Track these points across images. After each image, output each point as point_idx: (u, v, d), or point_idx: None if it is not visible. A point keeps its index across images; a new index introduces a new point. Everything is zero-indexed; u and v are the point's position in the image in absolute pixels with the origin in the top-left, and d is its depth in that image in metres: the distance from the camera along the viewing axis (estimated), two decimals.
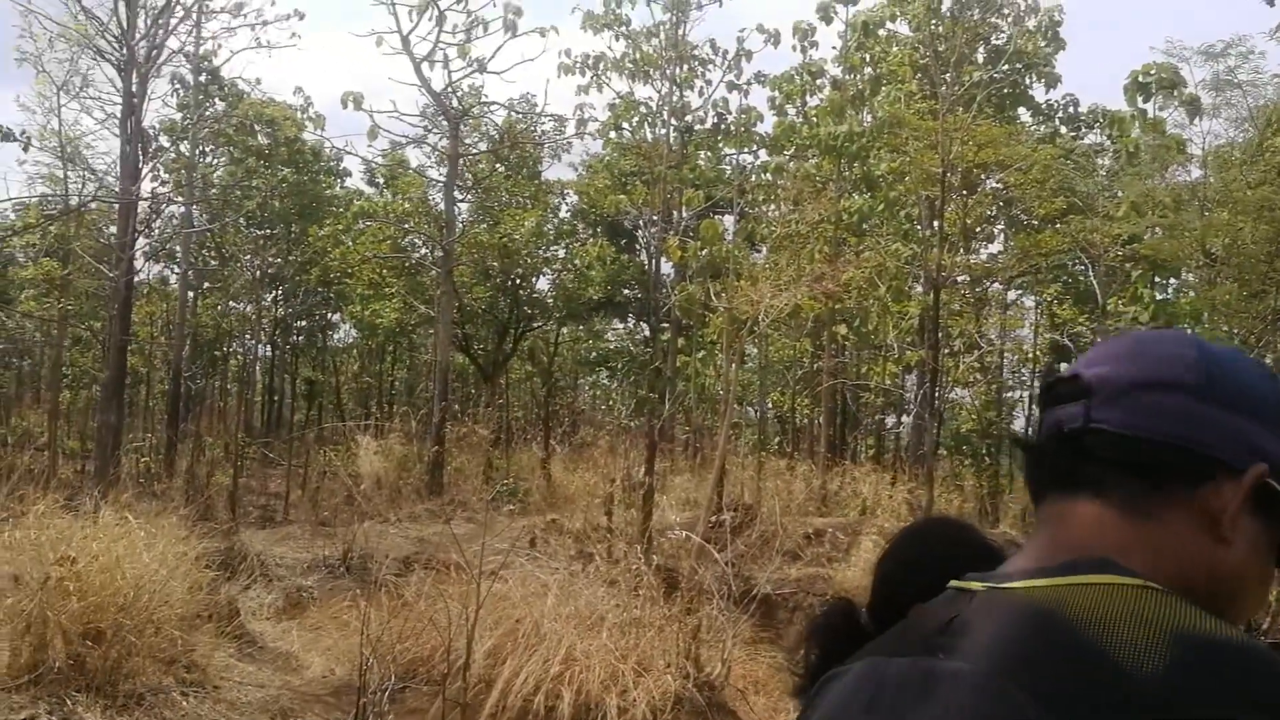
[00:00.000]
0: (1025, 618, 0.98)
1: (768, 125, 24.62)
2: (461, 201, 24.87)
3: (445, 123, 22.11)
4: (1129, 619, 0.94)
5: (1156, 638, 0.92)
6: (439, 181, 23.68)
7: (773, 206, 21.28)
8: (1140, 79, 19.66)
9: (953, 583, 1.13)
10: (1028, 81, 23.72)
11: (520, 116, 25.35)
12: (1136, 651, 0.91)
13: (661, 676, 8.43)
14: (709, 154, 27.44)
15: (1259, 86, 16.88)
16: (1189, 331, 1.39)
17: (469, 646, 7.40)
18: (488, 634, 8.56)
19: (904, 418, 24.04)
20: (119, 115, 16.56)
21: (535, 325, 27.43)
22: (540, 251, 25.40)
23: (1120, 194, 19.74)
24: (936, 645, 1.00)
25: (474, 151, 24.91)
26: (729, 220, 24.09)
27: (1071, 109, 25.90)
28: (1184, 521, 1.05)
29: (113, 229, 17.88)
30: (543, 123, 26.02)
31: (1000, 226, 23.59)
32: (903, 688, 0.98)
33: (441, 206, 22.75)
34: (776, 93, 23.89)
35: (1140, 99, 19.95)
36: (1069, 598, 0.97)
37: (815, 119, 22.03)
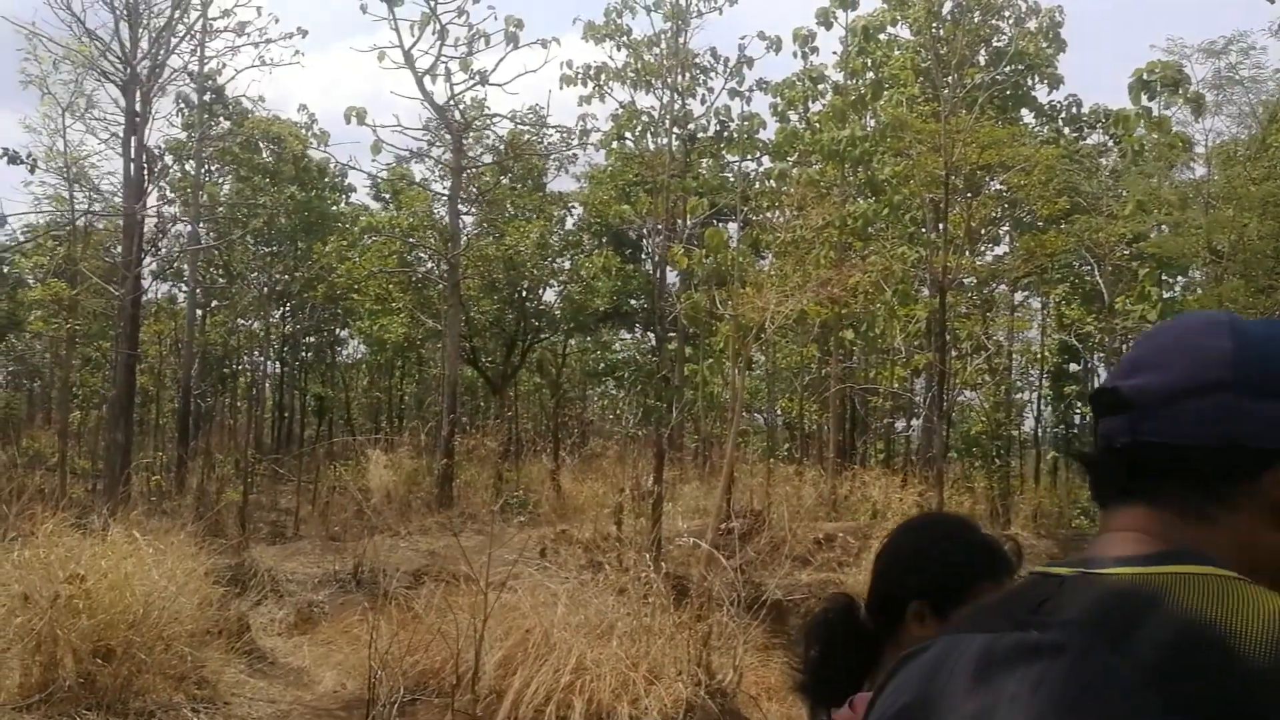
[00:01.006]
0: (1124, 599, 0.98)
1: (770, 132, 24.66)
2: (466, 214, 24.92)
3: (448, 136, 22.17)
4: (1233, 608, 0.94)
5: (1263, 627, 0.92)
6: (443, 195, 23.73)
7: (777, 213, 21.25)
8: (1144, 77, 19.64)
9: (1035, 569, 1.12)
10: (1030, 83, 23.70)
11: (527, 129, 25.40)
12: (1245, 640, 0.91)
13: (673, 684, 8.41)
14: (712, 162, 27.48)
15: (1260, 83, 16.86)
16: (1220, 314, 1.34)
17: (477, 657, 7.39)
18: (498, 645, 8.56)
19: (913, 421, 24.01)
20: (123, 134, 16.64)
21: (543, 337, 27.42)
22: (546, 263, 25.42)
23: (1125, 193, 19.71)
24: (1027, 622, 0.99)
25: (478, 165, 24.96)
26: (733, 228, 24.12)
27: (1074, 109, 25.85)
28: (1245, 516, 1.05)
29: (119, 248, 17.95)
30: (548, 134, 26.09)
31: (1005, 228, 23.56)
32: (991, 659, 0.98)
33: (446, 220, 22.79)
34: (778, 99, 23.90)
35: (1144, 97, 19.94)
36: (1167, 584, 0.98)
37: (818, 124, 22.03)
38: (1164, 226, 18.83)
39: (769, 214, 22.07)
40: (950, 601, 1.95)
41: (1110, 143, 24.52)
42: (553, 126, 26.49)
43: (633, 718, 8.04)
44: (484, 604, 7.53)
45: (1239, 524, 1.05)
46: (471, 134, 24.10)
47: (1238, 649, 0.90)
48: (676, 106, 24.61)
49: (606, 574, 10.69)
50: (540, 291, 26.07)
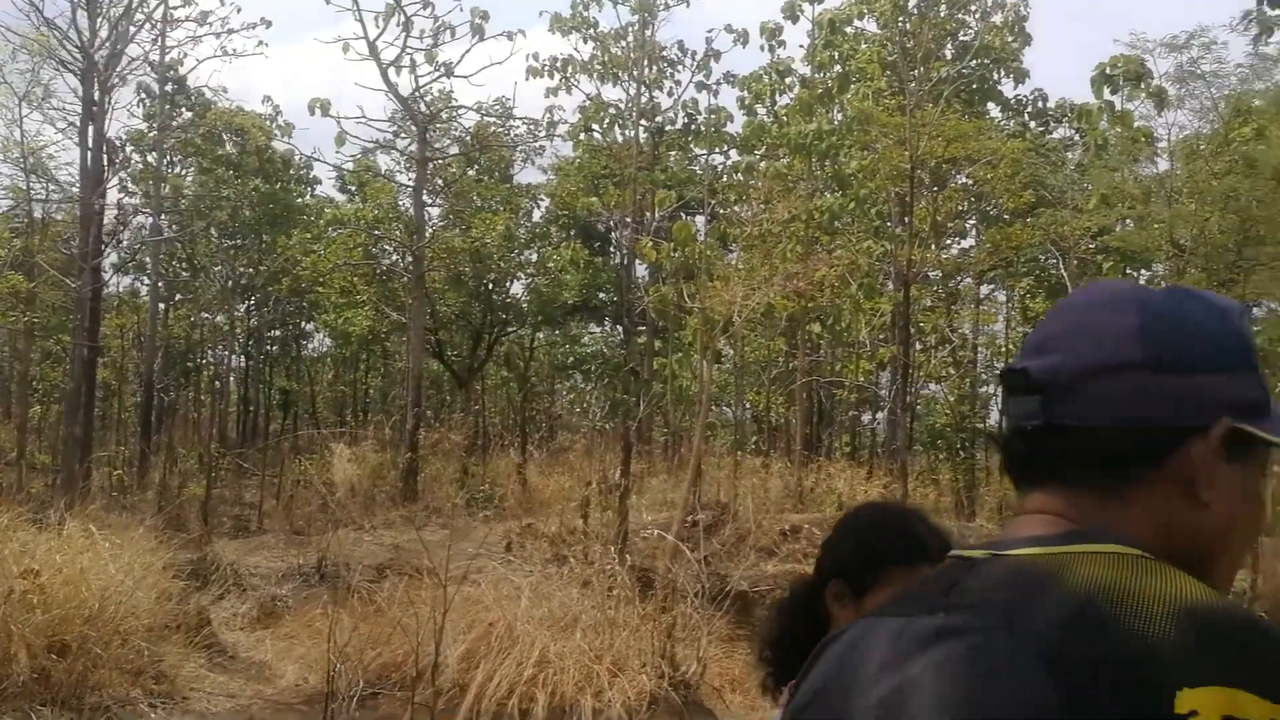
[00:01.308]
0: (1024, 579, 0.98)
1: (738, 125, 24.67)
2: (432, 206, 24.78)
3: (414, 127, 22.04)
4: (1131, 586, 0.94)
5: (1159, 606, 0.92)
6: (409, 186, 23.58)
7: (744, 206, 21.24)
8: (1107, 71, 19.75)
9: (954, 552, 1.12)
10: (996, 77, 23.79)
11: (494, 120, 25.28)
12: (1140, 617, 0.91)
13: (636, 676, 8.39)
14: (679, 154, 27.45)
15: (1222, 77, 16.95)
16: (1124, 286, 1.31)
17: (437, 651, 7.33)
18: (461, 638, 8.50)
19: (878, 414, 24.11)
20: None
21: (510, 330, 27.32)
22: (513, 255, 25.32)
23: (1089, 187, 19.80)
24: (937, 606, 0.99)
25: (444, 156, 24.82)
26: (701, 220, 24.11)
27: (1040, 104, 25.96)
28: (1160, 494, 1.05)
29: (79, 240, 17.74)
30: (515, 126, 25.97)
31: (971, 221, 23.66)
32: (900, 642, 0.97)
33: (412, 212, 22.66)
34: (745, 92, 23.90)
35: (1107, 91, 20.06)
36: (1070, 563, 0.97)
37: (785, 118, 22.03)
38: (1128, 220, 18.94)
39: (736, 207, 22.06)
40: (864, 584, 2.00)
41: (1075, 137, 24.65)
42: (519, 118, 26.42)
43: (596, 710, 8.01)
44: (444, 597, 7.45)
45: (1152, 502, 1.04)
46: (437, 126, 23.96)
47: (1135, 626, 0.90)
48: (643, 99, 24.59)
49: (571, 567, 10.67)
50: (507, 284, 25.98)
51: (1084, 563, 0.97)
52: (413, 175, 22.87)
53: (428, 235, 22.46)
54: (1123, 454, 1.05)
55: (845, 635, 1.07)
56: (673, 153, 27.14)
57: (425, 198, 22.43)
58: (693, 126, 26.90)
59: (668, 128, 26.62)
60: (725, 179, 24.86)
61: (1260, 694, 0.88)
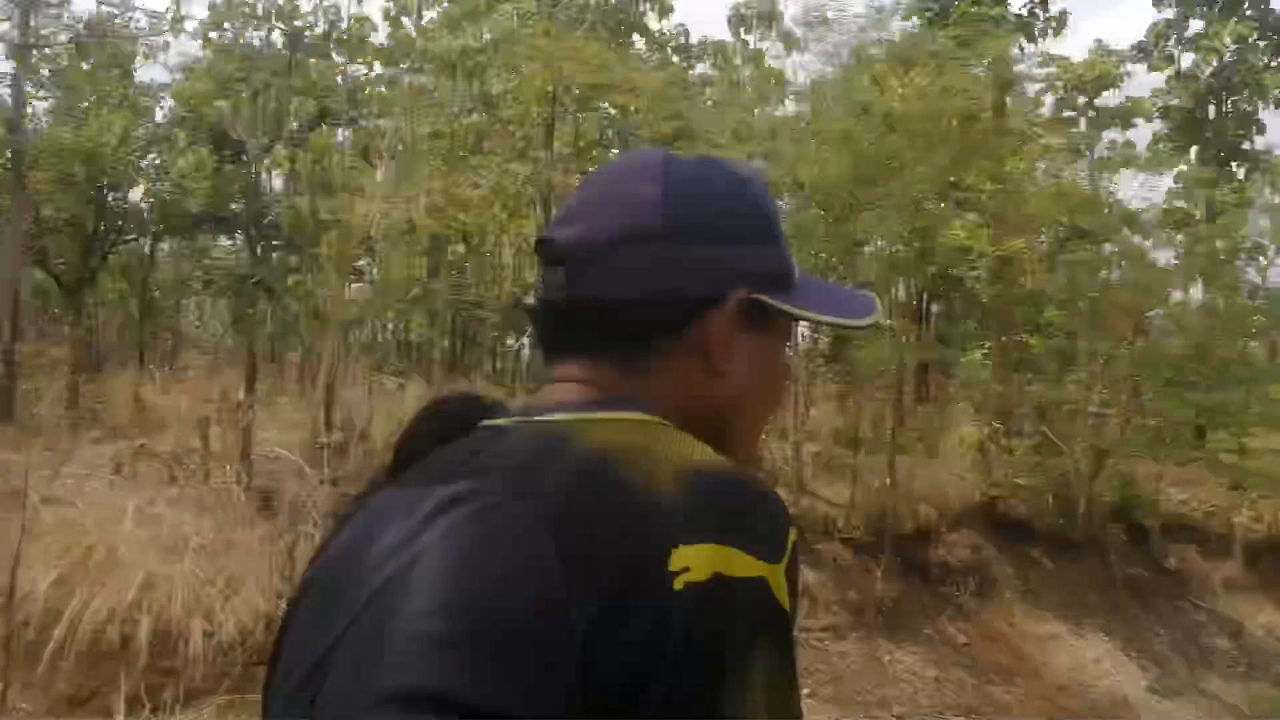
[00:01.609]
0: (539, 444, 0.98)
1: (383, 36, 23.88)
2: (37, 99, 22.40)
3: (14, 8, 19.75)
4: (639, 450, 0.95)
5: (664, 469, 0.93)
6: (7, 75, 21.17)
7: (387, 120, 20.65)
8: (741, 11, 20.60)
9: (483, 422, 1.08)
10: (641, 9, 24.23)
11: (112, 8, 23.05)
12: (644, 480, 0.92)
13: (252, 597, 8.07)
14: (320, 62, 26.25)
15: (844, 24, 18.05)
16: (654, 154, 1.34)
17: (13, 576, 6.71)
18: (54, 564, 7.85)
19: (523, 337, 24.33)
20: None
21: (129, 239, 25.30)
22: (132, 158, 23.35)
23: (725, 122, 20.63)
24: (456, 473, 0.96)
25: (50, 44, 22.43)
26: (342, 132, 23.28)
27: (683, 39, 26.72)
28: (680, 364, 1.06)
29: None
30: (135, 17, 23.82)
31: (614, 151, 24.12)
32: (415, 513, 0.93)
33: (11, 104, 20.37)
34: (391, 4, 23.14)
35: (742, 30, 20.93)
36: (587, 429, 0.98)
37: (431, 33, 21.53)
38: (756, 157, 19.89)
39: (379, 120, 21.42)
40: None
41: (715, 73, 25.59)
42: (141, 9, 24.30)
43: (207, 633, 7.63)
44: (24, 518, 6.82)
45: (672, 372, 1.06)
46: (44, 9, 21.59)
47: (638, 487, 0.91)
48: (280, 1, 23.25)
49: (187, 489, 10.15)
50: (125, 189, 23.97)
51: (601, 428, 0.98)
52: (12, 63, 20.53)
53: (31, 131, 20.31)
54: (643, 325, 1.05)
55: (363, 510, 1.00)
56: (312, 60, 25.91)
57: (28, 89, 20.23)
58: (334, 35, 25.75)
59: (307, 33, 25.32)
60: (369, 91, 24.03)
61: (750, 553, 0.91)
